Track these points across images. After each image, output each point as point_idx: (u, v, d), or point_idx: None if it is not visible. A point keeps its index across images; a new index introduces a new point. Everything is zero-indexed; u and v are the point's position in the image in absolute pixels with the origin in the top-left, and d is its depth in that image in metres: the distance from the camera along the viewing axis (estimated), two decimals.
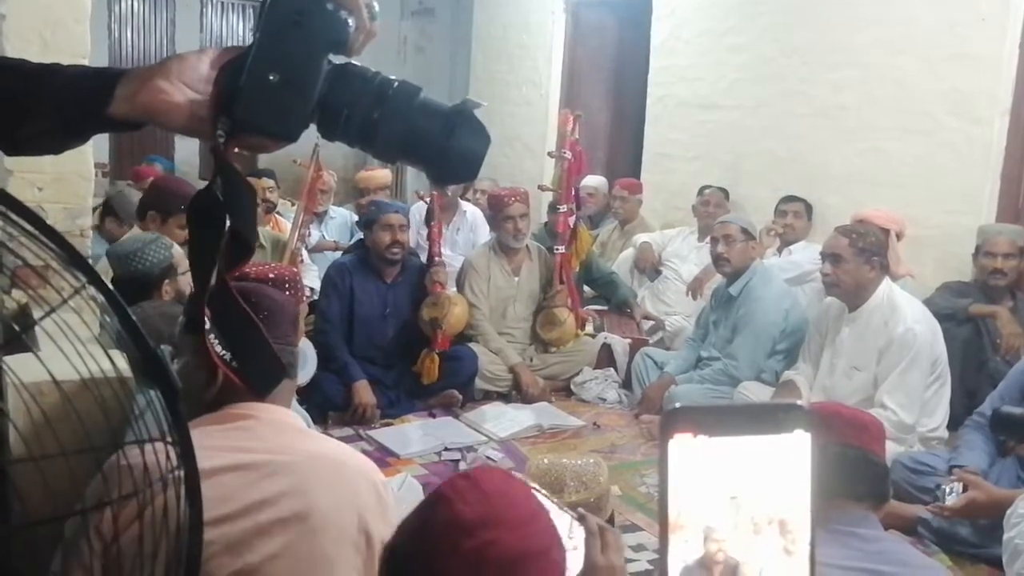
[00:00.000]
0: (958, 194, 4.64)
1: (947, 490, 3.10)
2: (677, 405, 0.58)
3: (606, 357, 4.85)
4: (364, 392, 4.14)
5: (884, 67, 4.91)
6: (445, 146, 0.84)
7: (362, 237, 4.55)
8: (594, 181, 6.42)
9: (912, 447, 3.58)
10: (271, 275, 2.31)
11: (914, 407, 3.59)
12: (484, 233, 5.61)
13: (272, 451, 1.45)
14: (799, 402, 0.58)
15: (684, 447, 0.56)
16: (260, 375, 0.93)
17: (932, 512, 3.20)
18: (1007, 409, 2.48)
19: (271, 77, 0.81)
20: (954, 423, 3.72)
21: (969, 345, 4.09)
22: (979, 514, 3.07)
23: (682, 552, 0.56)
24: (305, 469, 1.44)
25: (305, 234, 4.82)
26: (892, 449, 3.21)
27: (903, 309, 3.67)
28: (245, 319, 0.87)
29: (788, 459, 0.56)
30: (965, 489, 3.07)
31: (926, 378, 3.63)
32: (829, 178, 5.17)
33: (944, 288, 4.39)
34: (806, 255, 4.84)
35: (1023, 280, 4.28)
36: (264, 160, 6.21)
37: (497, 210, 4.83)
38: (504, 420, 4.23)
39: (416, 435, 4.03)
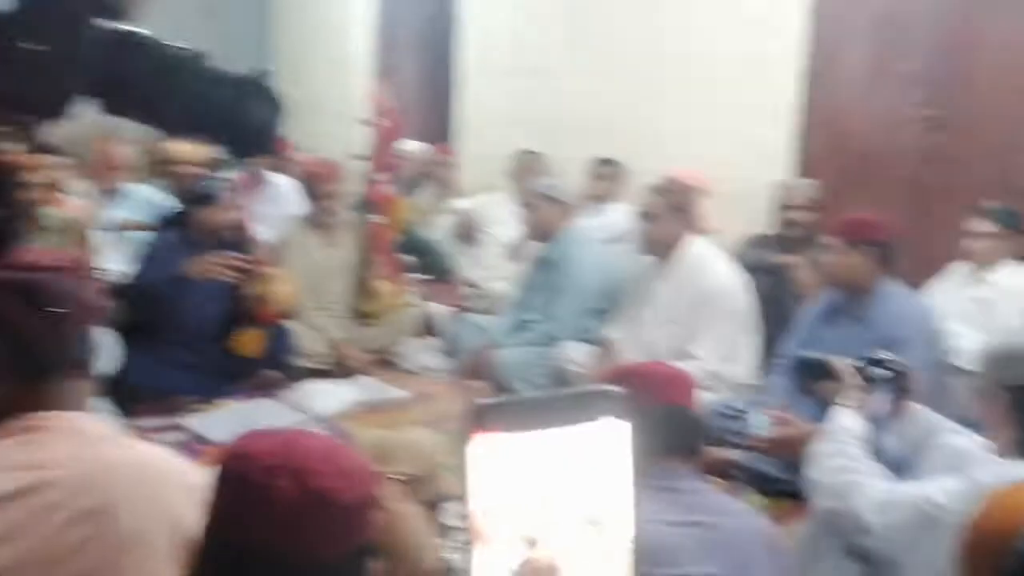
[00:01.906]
0: (759, 152, 4.88)
1: (754, 424, 3.26)
2: (479, 401, 0.53)
3: (428, 326, 4.82)
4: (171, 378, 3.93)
5: (691, 31, 5.08)
6: (236, 118, 0.76)
7: (179, 212, 4.30)
8: (409, 146, 6.32)
9: (723, 394, 3.74)
10: (51, 262, 2.11)
11: (724, 356, 3.75)
12: (295, 206, 5.42)
13: (61, 465, 1.30)
14: (610, 387, 0.54)
15: (488, 447, 0.52)
16: None
17: (745, 448, 3.38)
18: (805, 353, 2.62)
19: (26, 46, 0.70)
20: (761, 369, 3.92)
21: (772, 295, 4.31)
22: (789, 448, 3.26)
23: (496, 562, 0.52)
24: (103, 484, 1.30)
25: (100, 214, 4.50)
26: (704, 398, 3.34)
27: (712, 264, 3.83)
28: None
29: (602, 448, 0.53)
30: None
31: (734, 329, 3.81)
32: (640, 139, 5.31)
33: (748, 242, 4.62)
34: (620, 214, 4.96)
35: (818, 231, 4.55)
36: (65, 135, 5.72)
37: (311, 185, 4.69)
38: (326, 397, 4.12)
39: (233, 419, 3.85)
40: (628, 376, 1.82)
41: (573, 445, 0.53)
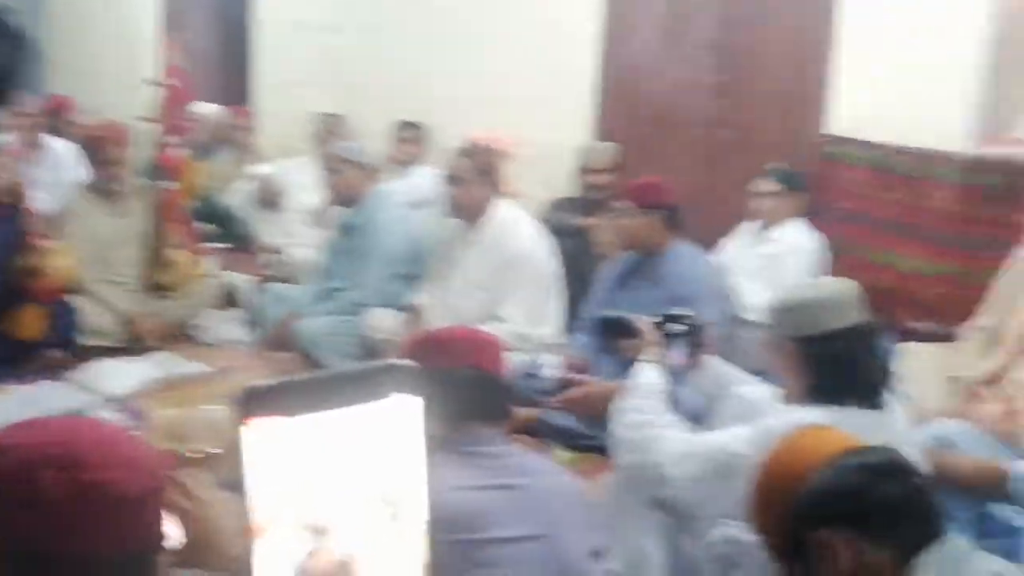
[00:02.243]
0: (560, 116, 4.97)
1: (547, 372, 3.34)
2: (249, 385, 0.47)
3: (228, 297, 4.61)
4: None
5: None
6: None
7: None
8: (203, 108, 6.00)
9: (529, 355, 3.79)
10: None
11: (530, 318, 3.80)
12: (76, 172, 5.02)
13: None
14: (399, 362, 0.50)
15: (264, 433, 0.46)
16: None
17: (551, 407, 3.45)
18: (606, 313, 2.69)
19: None
20: (566, 329, 4.00)
21: (575, 256, 4.41)
22: (591, 406, 3.36)
23: (280, 554, 0.47)
24: None
25: None
26: (511, 360, 3.37)
27: (517, 227, 3.85)
28: None
29: (393, 427, 0.49)
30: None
31: (541, 290, 3.86)
32: (443, 103, 5.27)
33: (552, 204, 4.70)
34: (424, 178, 4.91)
35: (618, 194, 4.68)
36: None
37: (93, 151, 4.35)
38: (119, 376, 3.85)
39: (13, 406, 3.54)
40: (434, 342, 1.79)
41: (360, 425, 0.48)
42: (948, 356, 3.53)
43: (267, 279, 4.74)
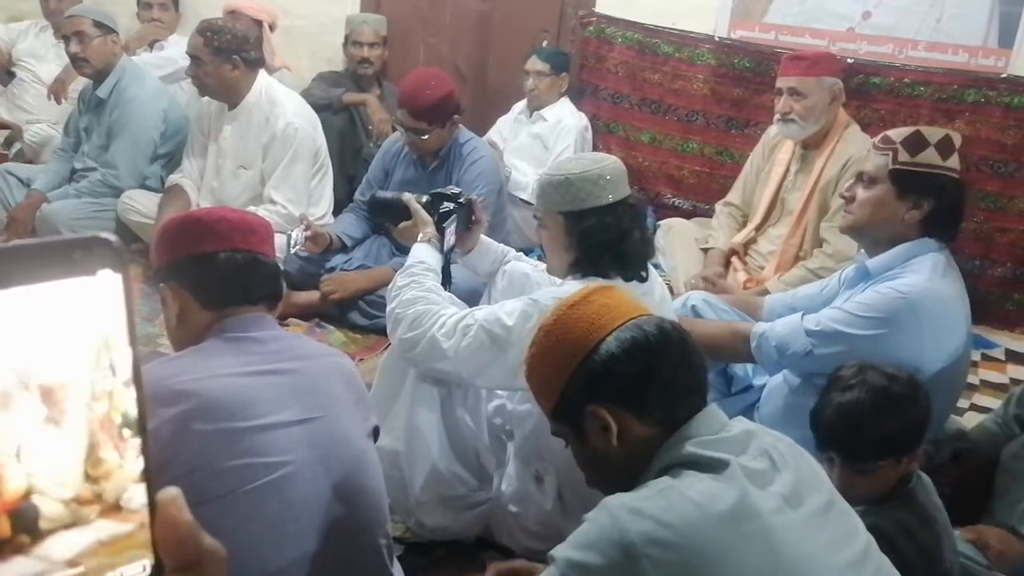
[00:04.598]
0: None
1: (295, 238, 3.32)
2: None
3: None
4: None
5: None
6: None
7: None
8: None
9: (300, 236, 3.67)
10: None
11: (301, 199, 3.67)
12: None
13: None
14: (104, 235, 0.45)
15: None
16: None
17: (326, 291, 3.42)
18: (381, 194, 2.64)
19: None
20: (338, 208, 3.91)
21: (345, 133, 4.28)
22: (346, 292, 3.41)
23: None
24: None
25: None
26: (282, 242, 3.27)
27: (282, 103, 3.66)
28: None
29: (96, 305, 0.44)
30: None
31: (310, 169, 3.72)
32: None
33: (319, 79, 4.50)
34: (178, 50, 4.54)
35: (387, 68, 4.55)
36: None
37: None
38: None
39: None
40: (197, 224, 1.68)
41: (58, 302, 0.43)
42: (702, 230, 3.77)
43: (3, 159, 4.27)
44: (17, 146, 4.55)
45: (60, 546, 0.45)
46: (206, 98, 3.74)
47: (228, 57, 3.49)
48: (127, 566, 0.48)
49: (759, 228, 3.55)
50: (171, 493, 0.50)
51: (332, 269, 3.56)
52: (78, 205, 3.80)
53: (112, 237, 0.45)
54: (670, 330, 1.39)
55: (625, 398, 1.35)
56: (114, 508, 0.47)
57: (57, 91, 4.44)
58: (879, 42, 3.91)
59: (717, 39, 4.15)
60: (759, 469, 1.25)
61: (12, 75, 4.77)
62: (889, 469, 1.70)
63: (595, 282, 1.93)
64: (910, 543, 1.63)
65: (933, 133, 2.25)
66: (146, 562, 0.49)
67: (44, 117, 4.64)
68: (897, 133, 2.26)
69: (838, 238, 3.05)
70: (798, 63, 3.41)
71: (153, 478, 0.49)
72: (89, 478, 0.46)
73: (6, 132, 4.55)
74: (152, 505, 0.49)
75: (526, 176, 4.05)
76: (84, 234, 0.44)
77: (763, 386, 2.48)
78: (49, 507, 0.45)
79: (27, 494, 0.44)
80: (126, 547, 0.48)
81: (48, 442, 0.44)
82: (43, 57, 4.73)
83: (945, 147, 2.21)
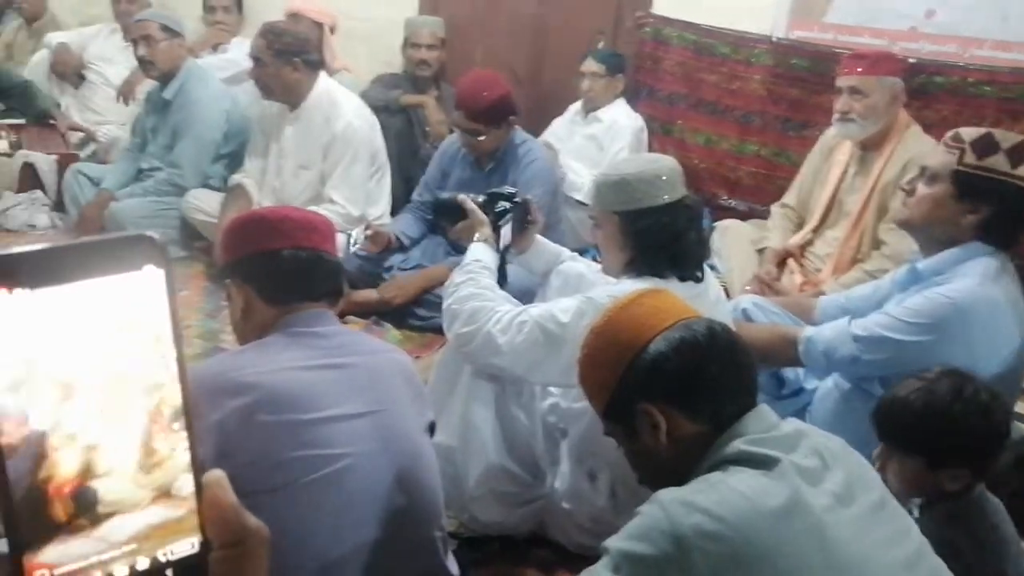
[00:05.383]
0: None
1: (355, 238, 3.40)
2: None
3: (30, 178, 4.27)
4: None
5: None
6: None
7: None
8: None
9: (359, 235, 3.73)
10: None
11: (359, 199, 3.73)
12: None
13: None
14: (147, 232, 0.48)
15: (2, 306, 0.43)
16: None
17: (387, 299, 3.47)
18: (440, 194, 2.67)
19: None
20: (395, 209, 3.97)
21: (402, 135, 4.34)
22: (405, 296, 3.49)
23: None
24: None
25: None
26: (342, 241, 3.33)
27: (342, 104, 3.73)
28: None
29: (140, 300, 0.47)
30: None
31: (368, 169, 3.79)
32: None
33: (377, 81, 4.57)
34: (241, 52, 4.65)
35: (445, 70, 4.60)
36: None
37: None
38: None
39: None
40: (262, 223, 1.73)
41: (106, 299, 0.46)
42: (758, 232, 3.75)
43: (73, 158, 4.41)
44: (91, 147, 4.68)
45: (116, 528, 0.49)
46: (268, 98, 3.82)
47: (289, 59, 3.57)
48: (177, 543, 0.51)
49: (816, 230, 3.52)
50: (216, 475, 0.53)
51: (390, 268, 3.62)
52: (144, 203, 3.91)
53: (154, 234, 0.48)
54: (719, 330, 1.40)
55: (674, 396, 1.36)
56: (165, 495, 0.50)
57: (125, 93, 4.59)
58: (942, 41, 3.84)
59: (775, 39, 4.12)
60: (810, 467, 1.25)
61: (83, 78, 4.92)
62: (942, 474, 1.65)
63: (650, 282, 1.95)
64: (955, 563, 1.58)
65: (1007, 138, 2.16)
66: (195, 539, 0.52)
67: (112, 118, 4.77)
68: (969, 132, 2.19)
69: (897, 240, 3.01)
70: (859, 62, 3.38)
71: (199, 468, 0.52)
72: (143, 466, 0.49)
73: (79, 134, 4.69)
74: (199, 489, 0.52)
75: (581, 177, 4.07)
76: (128, 232, 0.48)
77: (814, 389, 2.46)
78: (106, 492, 0.48)
79: (86, 479, 0.48)
80: (177, 531, 0.51)
81: (106, 431, 0.48)
82: (112, 60, 4.87)
83: (1017, 154, 2.13)
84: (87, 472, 0.47)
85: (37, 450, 0.46)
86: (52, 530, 0.47)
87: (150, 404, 0.49)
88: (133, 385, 0.48)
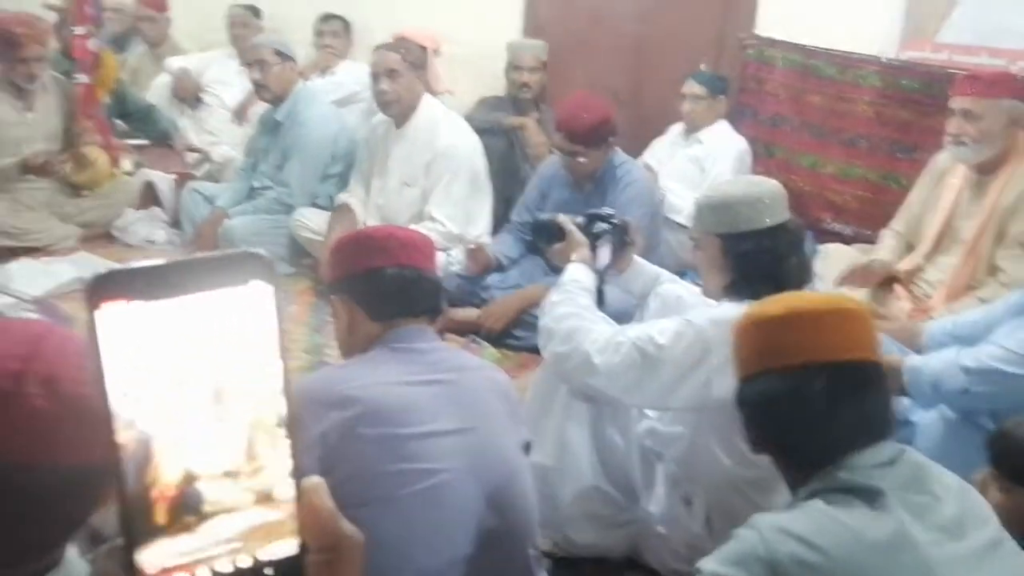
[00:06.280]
0: (489, 12, 4.86)
1: (453, 258, 3.51)
2: (112, 267, 0.47)
3: (149, 196, 4.48)
4: None
5: None
6: None
7: None
8: None
9: (461, 255, 3.79)
10: None
11: (460, 218, 3.79)
12: None
13: None
14: (254, 250, 0.50)
15: (119, 318, 0.46)
16: None
17: (488, 328, 3.52)
18: (540, 215, 2.70)
19: None
20: (495, 229, 4.01)
21: (504, 156, 4.39)
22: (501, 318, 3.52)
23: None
24: None
25: None
26: (441, 259, 3.39)
27: (445, 125, 3.81)
28: None
29: (248, 314, 0.50)
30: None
31: (468, 188, 3.85)
32: None
33: (481, 103, 4.64)
34: (350, 75, 4.79)
35: (546, 92, 4.64)
36: None
37: (8, 48, 4.04)
38: (37, 277, 3.76)
39: None
40: (366, 241, 1.79)
41: (215, 312, 0.48)
42: (863, 257, 3.65)
43: (189, 177, 4.61)
44: (206, 167, 4.88)
45: (220, 527, 0.51)
46: (375, 120, 3.93)
47: (418, 73, 3.69)
48: (277, 545, 0.53)
49: (927, 256, 3.40)
50: (314, 481, 0.55)
51: (488, 287, 3.65)
52: (255, 221, 4.06)
53: (262, 251, 0.51)
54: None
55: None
56: (267, 498, 0.53)
57: (239, 115, 4.78)
58: None
59: (884, 60, 4.02)
60: (919, 501, 1.21)
61: (200, 101, 5.14)
62: None
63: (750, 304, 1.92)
64: None
65: None
66: (294, 542, 0.54)
67: (226, 139, 4.97)
68: None
69: (1016, 267, 2.90)
70: (974, 83, 3.26)
71: (300, 474, 0.54)
72: (246, 471, 0.52)
73: (196, 155, 4.90)
74: (299, 494, 0.54)
75: (681, 199, 4.03)
76: (237, 249, 0.50)
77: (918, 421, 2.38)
78: (211, 493, 0.51)
79: (193, 481, 0.50)
80: (277, 533, 0.53)
81: (214, 437, 0.50)
82: (229, 83, 5.07)
83: None
84: (190, 476, 0.50)
85: (145, 453, 0.49)
86: (158, 528, 0.50)
87: (254, 412, 0.51)
88: (239, 393, 0.50)
